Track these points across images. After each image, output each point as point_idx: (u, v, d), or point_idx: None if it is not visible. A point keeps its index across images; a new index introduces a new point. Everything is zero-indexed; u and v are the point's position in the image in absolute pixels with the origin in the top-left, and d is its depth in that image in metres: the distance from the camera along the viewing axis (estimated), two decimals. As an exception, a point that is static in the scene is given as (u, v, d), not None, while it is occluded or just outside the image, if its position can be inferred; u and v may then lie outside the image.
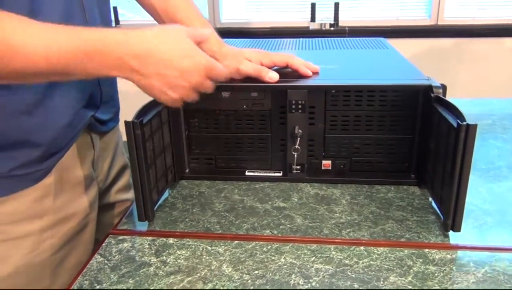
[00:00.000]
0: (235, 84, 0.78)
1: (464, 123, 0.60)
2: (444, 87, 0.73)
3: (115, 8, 2.54)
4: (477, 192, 0.77)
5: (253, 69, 0.78)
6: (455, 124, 0.61)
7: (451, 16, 2.42)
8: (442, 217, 0.68)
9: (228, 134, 0.81)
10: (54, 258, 0.72)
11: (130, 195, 0.93)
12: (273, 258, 0.62)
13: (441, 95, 0.71)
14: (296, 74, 0.80)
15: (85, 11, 0.69)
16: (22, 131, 0.66)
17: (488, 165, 0.87)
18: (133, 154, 0.64)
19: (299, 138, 0.77)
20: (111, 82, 0.81)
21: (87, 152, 0.77)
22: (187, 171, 0.84)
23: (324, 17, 2.44)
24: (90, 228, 0.80)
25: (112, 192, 0.89)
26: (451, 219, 0.64)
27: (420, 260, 0.60)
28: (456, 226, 0.64)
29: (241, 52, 0.81)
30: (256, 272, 0.59)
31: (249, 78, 0.77)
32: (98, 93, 0.75)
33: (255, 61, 0.80)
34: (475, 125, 0.59)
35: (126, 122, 0.63)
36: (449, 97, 0.74)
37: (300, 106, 0.76)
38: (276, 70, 0.79)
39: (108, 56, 0.58)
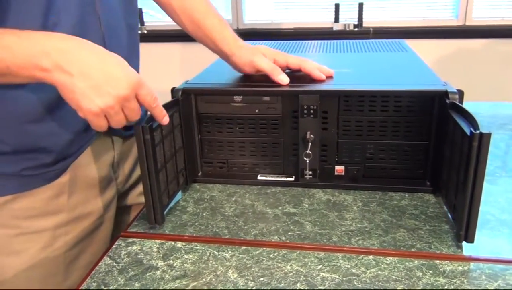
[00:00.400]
0: (248, 89, 0.78)
1: (478, 131, 0.58)
2: (460, 93, 0.71)
3: (140, 10, 2.57)
4: (496, 201, 0.75)
5: (266, 65, 0.78)
6: (468, 132, 0.59)
7: (479, 16, 2.35)
8: (455, 227, 0.67)
9: (240, 139, 0.81)
10: (68, 255, 0.74)
11: None
12: (279, 265, 0.61)
13: (456, 102, 0.69)
14: (309, 79, 0.80)
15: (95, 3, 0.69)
16: (34, 138, 0.67)
17: (509, 173, 0.84)
18: (143, 158, 0.65)
19: (310, 144, 0.77)
20: None
21: (106, 154, 0.79)
22: (199, 174, 0.84)
23: (349, 18, 2.41)
24: (106, 228, 0.81)
25: (132, 195, 0.90)
26: (464, 229, 0.62)
27: (430, 272, 0.59)
28: (469, 237, 0.62)
29: (257, 47, 0.83)
30: (261, 279, 0.59)
31: (260, 81, 0.77)
32: None
33: (269, 57, 0.81)
34: (489, 134, 0.57)
35: (136, 127, 0.64)
36: (477, 101, 0.72)
37: (312, 111, 0.75)
38: (289, 74, 0.78)
39: (32, 50, 0.54)
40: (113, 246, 0.67)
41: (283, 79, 0.77)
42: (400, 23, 2.41)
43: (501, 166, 0.87)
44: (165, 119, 0.66)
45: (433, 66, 0.89)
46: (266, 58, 0.80)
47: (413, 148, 0.77)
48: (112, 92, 0.56)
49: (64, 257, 0.74)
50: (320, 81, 0.79)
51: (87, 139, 0.73)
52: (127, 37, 0.77)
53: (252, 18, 2.56)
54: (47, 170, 0.69)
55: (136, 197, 0.90)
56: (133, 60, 0.80)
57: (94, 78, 0.55)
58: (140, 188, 0.90)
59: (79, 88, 0.55)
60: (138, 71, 0.83)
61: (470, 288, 0.56)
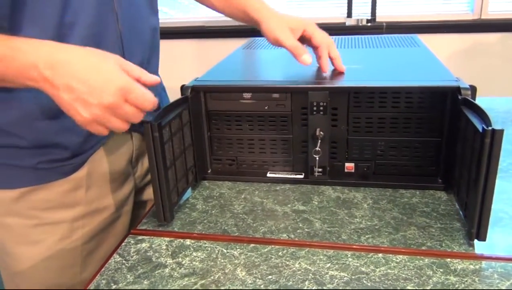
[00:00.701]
0: (257, 86, 0.78)
1: (490, 128, 0.57)
2: (473, 89, 0.70)
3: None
4: (509, 199, 0.74)
5: (291, 44, 0.77)
6: (480, 129, 0.58)
7: (495, 10, 2.31)
8: (467, 224, 0.66)
9: (250, 136, 0.81)
10: (85, 247, 0.76)
11: None
12: (287, 263, 0.61)
13: (469, 97, 0.68)
14: (319, 75, 0.79)
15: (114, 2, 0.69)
16: (49, 134, 0.69)
17: (523, 170, 0.83)
18: (152, 155, 0.65)
19: (319, 141, 0.76)
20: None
21: (125, 150, 0.80)
22: (209, 171, 0.84)
23: (361, 13, 2.39)
24: (123, 222, 0.82)
25: (149, 190, 0.91)
26: (476, 227, 0.61)
27: (441, 270, 0.58)
28: (481, 235, 0.61)
29: (286, 21, 0.80)
30: (270, 277, 0.58)
31: (269, 77, 0.76)
32: None
33: (297, 28, 0.79)
34: (502, 131, 0.56)
35: (145, 125, 0.64)
36: (493, 96, 0.71)
37: (321, 108, 0.75)
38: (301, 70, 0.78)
39: (22, 63, 0.55)
40: (123, 244, 0.67)
41: (306, 59, 0.76)
42: (414, 18, 2.38)
43: (516, 163, 0.86)
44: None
45: (448, 61, 0.87)
46: (292, 34, 0.78)
47: (425, 145, 0.76)
48: (95, 102, 0.56)
49: (82, 249, 0.75)
50: (339, 72, 0.80)
51: (103, 136, 0.74)
52: (149, 38, 0.78)
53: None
54: (63, 164, 0.71)
55: (150, 193, 0.91)
56: (154, 60, 0.81)
57: (77, 90, 0.56)
58: None
59: (65, 100, 0.56)
60: (157, 70, 0.84)
61: (481, 287, 0.55)
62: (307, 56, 0.77)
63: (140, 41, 0.75)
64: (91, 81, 0.56)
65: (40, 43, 0.57)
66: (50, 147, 0.69)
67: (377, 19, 2.35)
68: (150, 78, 0.62)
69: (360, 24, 2.37)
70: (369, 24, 2.35)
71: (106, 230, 0.79)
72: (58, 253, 0.73)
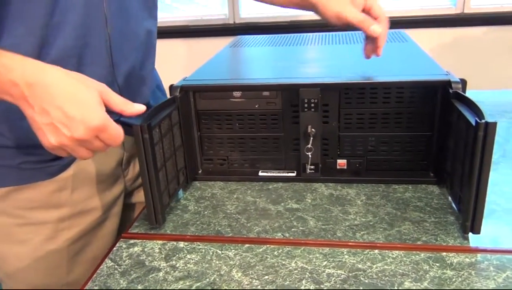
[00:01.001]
0: (247, 84, 0.77)
1: (483, 121, 0.56)
2: (463, 82, 0.70)
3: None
4: (501, 191, 0.74)
5: (356, 17, 0.73)
6: (473, 122, 0.58)
7: (478, 4, 2.33)
8: (461, 218, 0.66)
9: (240, 135, 0.80)
10: (72, 248, 0.75)
11: None
12: (283, 262, 0.60)
13: (460, 91, 0.68)
14: (307, 71, 0.79)
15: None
16: (33, 134, 0.66)
17: (513, 162, 0.83)
18: (142, 157, 0.64)
19: (311, 138, 0.76)
20: (135, 89, 0.78)
21: (114, 152, 0.78)
22: (200, 171, 0.83)
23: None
24: (111, 224, 0.81)
25: (139, 193, 0.89)
26: (470, 220, 0.61)
27: (437, 264, 0.58)
28: (475, 228, 0.61)
29: None
30: (266, 277, 0.58)
31: (259, 75, 0.75)
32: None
33: (359, 2, 0.75)
34: (495, 124, 0.56)
35: (134, 126, 0.62)
36: (477, 89, 0.71)
37: (312, 104, 0.74)
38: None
39: (4, 79, 0.54)
40: (114, 248, 0.66)
41: (376, 30, 0.72)
42: (397, 13, 2.39)
43: (504, 155, 0.86)
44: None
45: (431, 55, 0.88)
46: (355, 10, 0.74)
47: (416, 139, 0.76)
48: (67, 134, 0.55)
49: (68, 250, 0.75)
50: (376, 50, 0.76)
51: None
52: (143, 41, 0.76)
53: (248, 12, 2.54)
54: (48, 164, 0.70)
55: (141, 195, 0.89)
56: (149, 63, 0.79)
57: (52, 117, 0.54)
58: None
59: (37, 122, 0.55)
60: (151, 72, 0.82)
61: (478, 280, 0.55)
62: (377, 26, 0.72)
63: (132, 44, 0.73)
64: (68, 111, 0.54)
65: (24, 61, 0.55)
66: (34, 147, 0.67)
67: (362, 15, 2.36)
68: (134, 109, 0.60)
69: (345, 21, 2.37)
70: (353, 20, 2.36)
71: (93, 231, 0.78)
72: (44, 254, 0.73)
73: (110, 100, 0.58)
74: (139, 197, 0.89)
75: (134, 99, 0.78)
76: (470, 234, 0.63)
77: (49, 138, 0.55)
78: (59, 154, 0.58)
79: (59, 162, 0.71)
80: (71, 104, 0.54)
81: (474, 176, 0.59)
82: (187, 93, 0.77)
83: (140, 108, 0.61)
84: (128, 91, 0.75)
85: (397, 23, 2.48)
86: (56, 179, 0.71)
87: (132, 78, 0.75)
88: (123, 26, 0.71)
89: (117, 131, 0.58)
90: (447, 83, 0.70)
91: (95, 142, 0.57)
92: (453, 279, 0.55)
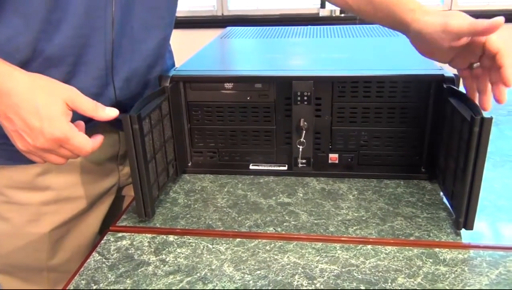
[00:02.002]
0: (238, 75, 0.76)
1: (479, 116, 0.56)
2: (457, 78, 0.69)
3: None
4: (492, 187, 0.74)
5: (469, 23, 0.58)
6: (468, 118, 0.58)
7: (465, 2, 2.35)
8: (453, 214, 0.65)
9: (231, 127, 0.79)
10: (54, 233, 0.74)
11: None
12: (276, 257, 0.59)
13: (454, 86, 0.67)
14: (300, 64, 0.77)
15: None
16: None
17: (503, 158, 0.84)
18: (131, 149, 0.62)
19: (304, 131, 0.75)
20: (137, 92, 0.76)
21: (108, 145, 0.77)
22: (189, 164, 0.82)
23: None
24: (97, 214, 0.80)
25: (129, 186, 0.87)
26: (464, 216, 0.61)
27: (430, 260, 0.58)
28: (468, 224, 0.61)
29: (444, 14, 0.62)
30: (258, 272, 0.57)
31: (251, 67, 0.74)
32: (109, 102, 0.70)
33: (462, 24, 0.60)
34: (490, 119, 0.56)
35: (123, 116, 0.60)
36: (463, 86, 0.71)
37: (305, 98, 0.73)
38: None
39: None
40: (102, 241, 0.64)
41: (498, 20, 0.57)
42: (386, 9, 2.40)
43: (495, 151, 0.87)
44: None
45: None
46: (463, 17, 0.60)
47: (409, 134, 0.75)
48: (30, 142, 0.56)
49: (49, 235, 0.74)
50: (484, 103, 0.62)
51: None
52: (152, 49, 0.74)
53: (237, 4, 2.52)
54: None
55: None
56: (157, 68, 0.77)
57: (16, 125, 0.55)
58: None
59: (6, 127, 0.57)
60: (159, 73, 0.79)
61: (471, 276, 0.55)
62: (496, 20, 0.57)
63: (137, 51, 0.71)
64: (29, 123, 0.55)
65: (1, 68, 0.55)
66: None
67: (350, 10, 2.36)
68: (105, 114, 0.60)
69: (334, 15, 2.37)
70: (342, 14, 2.36)
71: (78, 220, 0.77)
72: (24, 234, 0.73)
73: (79, 107, 0.58)
74: (127, 190, 0.87)
75: (134, 99, 0.76)
76: (463, 230, 0.63)
77: (18, 144, 0.57)
78: (32, 159, 0.59)
79: None
80: (33, 116, 0.55)
81: (469, 171, 0.59)
82: (177, 83, 0.76)
83: (112, 113, 0.60)
84: (129, 93, 0.73)
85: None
86: (39, 163, 0.69)
87: (134, 82, 0.73)
88: (130, 32, 0.69)
89: (82, 142, 0.57)
90: (441, 78, 0.69)
91: (61, 151, 0.58)
92: (447, 275, 0.55)
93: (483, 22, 0.58)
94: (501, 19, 0.57)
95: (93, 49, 0.65)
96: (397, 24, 0.69)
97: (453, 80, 0.68)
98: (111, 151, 0.78)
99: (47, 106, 0.55)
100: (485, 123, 0.56)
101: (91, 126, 0.70)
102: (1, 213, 0.72)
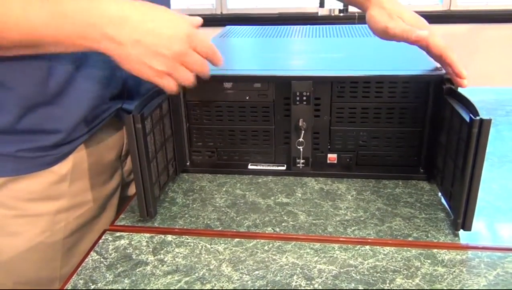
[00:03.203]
0: (238, 75, 0.76)
1: (478, 118, 0.56)
2: (456, 78, 0.69)
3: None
4: (490, 188, 0.74)
5: (402, 30, 0.68)
6: (467, 119, 0.58)
7: (464, 1, 2.35)
8: (452, 214, 0.66)
9: (230, 127, 0.79)
10: (67, 241, 0.73)
11: None
12: (274, 257, 0.59)
13: (453, 87, 0.67)
14: (300, 64, 0.77)
15: None
16: (32, 120, 0.65)
17: (501, 159, 0.84)
18: (134, 148, 0.62)
19: (303, 131, 0.75)
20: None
21: (114, 144, 0.77)
22: (188, 164, 0.82)
23: (334, 3, 2.39)
24: (107, 215, 0.79)
25: (133, 186, 0.86)
26: (462, 217, 0.61)
27: (429, 261, 0.58)
28: (466, 225, 0.61)
29: (397, 9, 0.70)
30: (257, 272, 0.57)
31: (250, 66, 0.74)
32: (119, 87, 0.72)
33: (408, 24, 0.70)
34: (489, 120, 0.56)
35: (126, 116, 0.60)
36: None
37: (304, 98, 0.73)
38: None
39: (79, 21, 0.53)
40: (100, 241, 0.64)
41: (420, 34, 0.67)
42: (385, 8, 2.40)
43: (493, 152, 0.87)
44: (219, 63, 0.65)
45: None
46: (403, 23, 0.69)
47: (407, 135, 0.75)
48: (166, 53, 0.56)
49: (63, 243, 0.72)
50: (459, 84, 0.67)
51: (92, 127, 0.71)
52: None
53: (236, 3, 2.52)
54: (46, 153, 0.67)
55: (133, 189, 0.87)
56: None
57: (146, 43, 0.55)
58: None
59: (134, 56, 0.56)
60: None
61: (469, 277, 0.55)
62: (422, 31, 0.67)
63: None
64: (159, 31, 0.56)
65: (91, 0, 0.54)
66: (32, 133, 0.65)
67: (349, 10, 2.36)
68: (195, 19, 0.63)
69: (333, 14, 2.37)
70: (341, 14, 2.36)
71: (89, 224, 0.76)
72: (38, 246, 0.70)
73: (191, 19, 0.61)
74: (133, 189, 0.86)
75: (140, 83, 0.75)
76: (461, 231, 0.63)
77: (153, 65, 0.56)
78: (166, 83, 0.59)
79: (57, 151, 0.68)
80: (160, 24, 0.56)
81: (467, 172, 0.59)
82: (176, 83, 0.75)
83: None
84: (134, 81, 0.73)
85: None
86: (55, 170, 0.68)
87: None
88: None
89: (206, 38, 0.60)
90: (440, 79, 0.69)
91: (194, 56, 0.59)
92: (445, 276, 0.55)
93: (412, 35, 0.67)
94: (424, 33, 0.67)
95: None
96: (357, 5, 0.76)
97: (452, 81, 0.68)
98: (116, 148, 0.78)
99: (164, 14, 0.57)
100: (484, 125, 0.56)
101: (96, 126, 0.70)
102: (13, 228, 0.69)
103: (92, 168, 0.74)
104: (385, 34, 0.71)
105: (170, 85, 0.60)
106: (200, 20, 0.63)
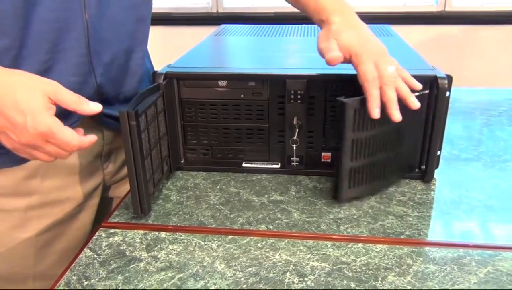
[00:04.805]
0: (232, 73, 0.76)
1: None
2: (449, 78, 0.70)
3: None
4: (482, 187, 0.75)
5: (324, 55, 0.67)
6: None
7: (459, 3, 2.36)
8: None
9: (225, 125, 0.79)
10: (41, 239, 0.73)
11: None
12: (267, 254, 0.59)
13: (445, 86, 0.68)
14: (294, 62, 0.78)
15: None
16: None
17: (493, 159, 0.84)
18: (128, 145, 0.62)
19: (297, 130, 0.75)
20: (120, 80, 0.75)
21: (94, 146, 0.75)
22: (182, 161, 0.82)
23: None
24: (86, 216, 0.79)
25: (118, 188, 0.86)
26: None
27: (420, 259, 0.58)
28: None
29: (339, 34, 0.67)
30: (250, 269, 0.57)
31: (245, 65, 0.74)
32: (92, 92, 0.70)
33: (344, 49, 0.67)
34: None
35: (120, 113, 0.60)
36: (456, 87, 0.72)
37: (299, 96, 0.73)
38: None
39: None
40: (94, 237, 0.64)
41: (331, 56, 0.66)
42: (381, 9, 2.41)
43: (485, 151, 0.87)
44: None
45: (415, 51, 0.88)
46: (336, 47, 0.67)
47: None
48: (16, 139, 0.56)
49: (36, 240, 0.72)
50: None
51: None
52: (131, 28, 0.73)
53: (232, 1, 2.52)
54: None
55: (120, 190, 0.87)
56: (137, 51, 0.75)
57: (0, 124, 0.55)
58: (125, 183, 0.87)
59: None
60: (143, 61, 0.78)
61: (460, 275, 0.55)
62: (332, 54, 0.66)
63: (116, 32, 0.70)
64: (12, 119, 0.54)
65: None
66: None
67: (345, 9, 2.36)
68: (89, 109, 0.59)
69: (328, 14, 2.37)
70: (337, 14, 2.36)
71: (66, 223, 0.75)
72: (9, 242, 0.70)
73: (61, 100, 0.57)
74: (118, 191, 0.86)
75: (118, 90, 0.75)
76: (453, 229, 0.63)
77: (5, 143, 0.57)
78: (21, 155, 0.59)
79: None
80: (14, 111, 0.54)
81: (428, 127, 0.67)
82: (171, 80, 0.76)
83: (95, 107, 0.60)
84: (111, 82, 0.73)
85: (379, 18, 2.50)
86: (25, 166, 0.68)
87: (115, 68, 0.72)
88: (104, 11, 0.67)
89: (68, 136, 0.57)
90: (434, 79, 0.70)
91: (48, 147, 0.57)
92: (436, 274, 0.56)
93: (325, 56, 0.66)
94: (333, 56, 0.66)
95: (72, 34, 0.63)
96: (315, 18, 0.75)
97: (446, 81, 0.69)
98: (95, 149, 0.77)
99: (28, 101, 0.54)
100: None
101: (74, 123, 0.69)
102: None
103: (66, 166, 0.73)
104: (321, 53, 0.69)
105: (25, 156, 0.59)
106: (77, 107, 0.58)
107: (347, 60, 0.66)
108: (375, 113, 0.63)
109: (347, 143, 0.66)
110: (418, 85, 0.66)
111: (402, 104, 0.64)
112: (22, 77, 0.56)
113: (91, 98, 0.68)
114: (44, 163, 0.69)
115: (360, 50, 0.65)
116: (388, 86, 0.63)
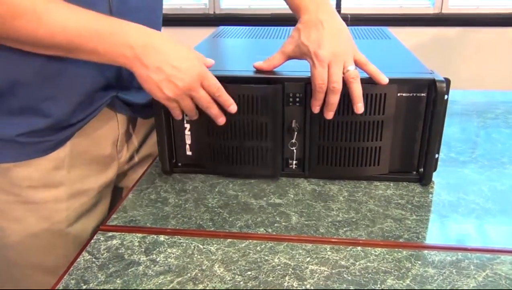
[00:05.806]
0: (230, 75, 0.76)
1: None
2: (447, 82, 0.70)
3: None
4: (479, 190, 0.75)
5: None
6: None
7: (455, 5, 2.37)
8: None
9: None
10: (71, 230, 0.74)
11: None
12: (266, 258, 0.59)
13: (444, 89, 0.68)
14: (292, 65, 0.78)
15: None
16: (33, 99, 0.66)
17: (491, 162, 0.85)
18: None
19: (296, 133, 0.75)
20: None
21: (109, 132, 0.77)
22: (180, 164, 0.81)
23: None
24: (104, 205, 0.81)
25: (130, 177, 0.87)
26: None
27: (419, 262, 0.58)
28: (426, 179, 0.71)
29: (303, 35, 0.72)
30: (249, 273, 0.57)
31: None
32: (114, 74, 0.73)
33: (298, 51, 0.73)
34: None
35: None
36: (452, 89, 0.72)
37: (297, 99, 0.73)
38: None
39: (118, 41, 0.63)
40: (92, 241, 0.64)
41: (270, 62, 0.76)
42: (378, 10, 2.41)
43: (483, 154, 0.88)
44: (231, 107, 0.72)
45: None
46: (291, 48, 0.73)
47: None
48: (179, 84, 0.65)
49: (66, 232, 0.74)
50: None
51: (88, 114, 0.71)
52: (145, 17, 0.73)
53: (229, 3, 2.52)
54: (43, 139, 0.68)
55: (129, 180, 0.87)
56: None
57: (166, 72, 0.64)
58: (138, 172, 0.87)
59: (153, 80, 0.65)
60: None
61: (459, 279, 0.55)
62: (260, 62, 0.76)
63: (132, 20, 0.71)
64: (178, 64, 0.65)
65: (132, 26, 0.64)
66: (29, 113, 0.67)
67: (342, 11, 2.37)
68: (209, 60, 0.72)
69: (325, 16, 2.37)
70: (334, 15, 2.36)
71: (89, 212, 0.77)
72: (41, 233, 0.72)
73: (205, 62, 0.70)
74: (127, 181, 0.87)
75: (134, 77, 0.75)
76: (451, 232, 0.64)
77: (165, 91, 0.66)
78: (172, 107, 0.70)
79: (55, 137, 0.69)
80: (180, 59, 0.66)
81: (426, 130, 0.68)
82: (170, 83, 0.75)
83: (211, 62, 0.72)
84: (128, 72, 0.73)
85: (376, 20, 2.50)
86: (52, 157, 0.70)
87: None
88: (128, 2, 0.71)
89: (215, 80, 0.69)
90: (432, 82, 0.70)
91: (200, 92, 0.68)
92: (435, 277, 0.56)
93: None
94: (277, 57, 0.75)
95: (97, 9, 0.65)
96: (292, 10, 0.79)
97: (444, 84, 0.69)
98: (111, 137, 0.78)
99: (187, 53, 0.67)
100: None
101: (91, 113, 0.71)
102: (14, 214, 0.70)
103: (89, 157, 0.75)
104: None
105: (175, 111, 0.71)
106: (212, 62, 0.71)
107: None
108: (315, 110, 0.72)
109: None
110: (384, 80, 0.69)
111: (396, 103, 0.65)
112: (175, 40, 0.67)
113: (110, 82, 0.72)
114: (69, 153, 0.71)
115: (315, 53, 0.69)
116: (332, 91, 0.68)
